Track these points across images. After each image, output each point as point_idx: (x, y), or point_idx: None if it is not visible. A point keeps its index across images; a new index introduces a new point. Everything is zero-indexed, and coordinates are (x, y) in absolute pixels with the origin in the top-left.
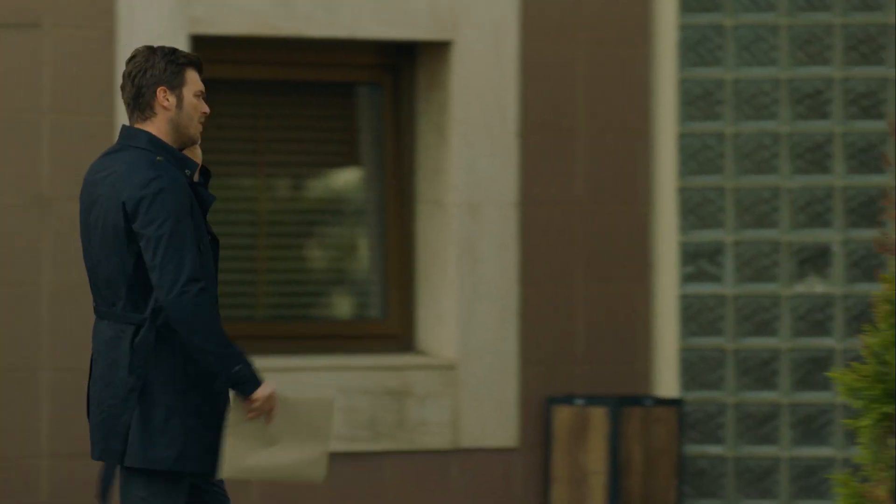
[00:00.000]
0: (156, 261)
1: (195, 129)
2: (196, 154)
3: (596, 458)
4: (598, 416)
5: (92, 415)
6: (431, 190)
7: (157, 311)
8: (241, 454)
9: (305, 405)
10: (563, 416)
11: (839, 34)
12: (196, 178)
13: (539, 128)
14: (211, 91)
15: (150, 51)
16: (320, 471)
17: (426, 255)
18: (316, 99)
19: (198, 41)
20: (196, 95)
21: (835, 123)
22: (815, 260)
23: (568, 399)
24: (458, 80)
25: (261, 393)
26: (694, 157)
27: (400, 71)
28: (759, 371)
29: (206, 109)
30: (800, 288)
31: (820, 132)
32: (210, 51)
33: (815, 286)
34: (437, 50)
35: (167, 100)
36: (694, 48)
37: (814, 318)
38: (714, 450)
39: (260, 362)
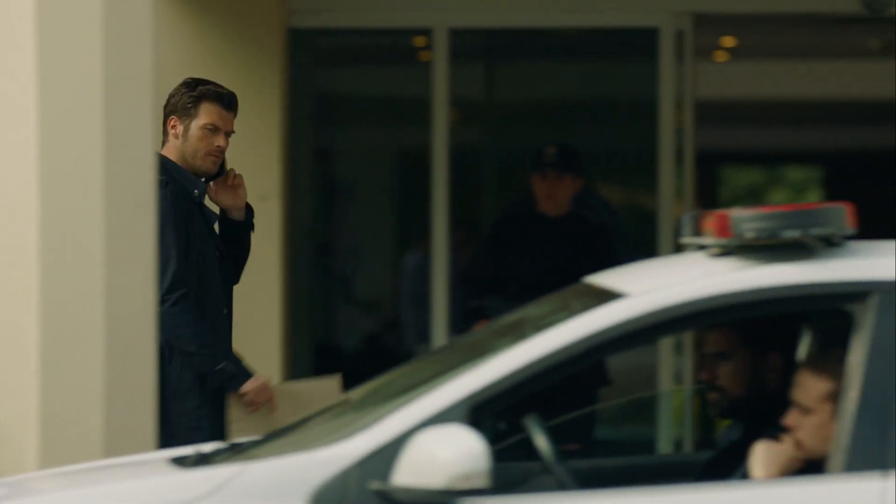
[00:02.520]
0: None
1: (202, 160)
2: (239, 195)
3: None
4: None
5: None
6: None
7: None
8: None
9: (309, 388)
10: None
11: None
12: (243, 208)
13: None
14: None
15: (183, 81)
16: None
17: None
18: None
19: None
20: (206, 128)
21: None
22: None
23: None
24: None
25: (249, 386)
26: None
27: None
28: None
29: (220, 144)
30: None
31: None
32: None
33: None
34: None
35: (174, 128)
36: None
37: None
38: None
39: None
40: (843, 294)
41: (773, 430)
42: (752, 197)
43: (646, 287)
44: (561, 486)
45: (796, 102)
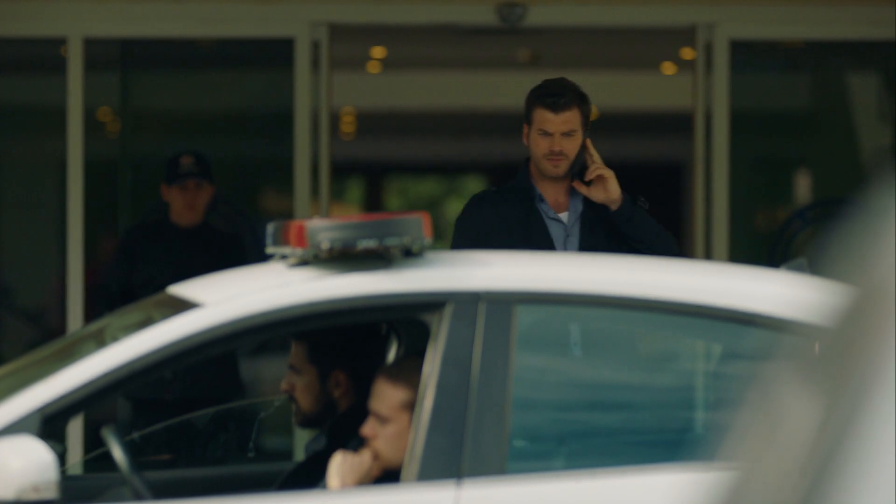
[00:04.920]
0: None
1: (542, 164)
2: (608, 188)
3: None
4: None
5: None
6: None
7: None
8: None
9: None
10: None
11: None
12: (618, 200)
13: None
14: None
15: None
16: None
17: None
18: None
19: None
20: (539, 133)
21: None
22: None
23: None
24: None
25: None
26: None
27: None
28: None
29: (552, 147)
30: None
31: None
32: None
33: None
34: None
35: (525, 136)
36: None
37: None
38: None
39: None
40: (418, 304)
41: (357, 440)
42: (430, 207)
43: (221, 297)
44: (136, 497)
45: (458, 114)
